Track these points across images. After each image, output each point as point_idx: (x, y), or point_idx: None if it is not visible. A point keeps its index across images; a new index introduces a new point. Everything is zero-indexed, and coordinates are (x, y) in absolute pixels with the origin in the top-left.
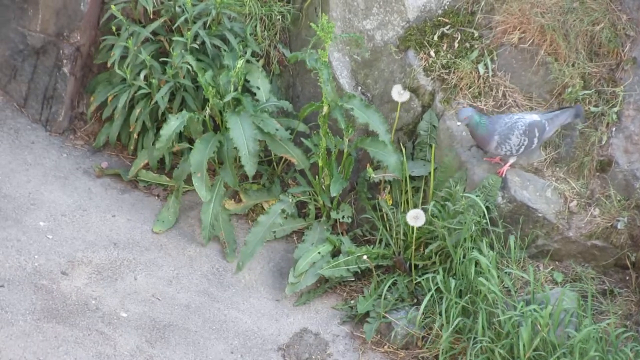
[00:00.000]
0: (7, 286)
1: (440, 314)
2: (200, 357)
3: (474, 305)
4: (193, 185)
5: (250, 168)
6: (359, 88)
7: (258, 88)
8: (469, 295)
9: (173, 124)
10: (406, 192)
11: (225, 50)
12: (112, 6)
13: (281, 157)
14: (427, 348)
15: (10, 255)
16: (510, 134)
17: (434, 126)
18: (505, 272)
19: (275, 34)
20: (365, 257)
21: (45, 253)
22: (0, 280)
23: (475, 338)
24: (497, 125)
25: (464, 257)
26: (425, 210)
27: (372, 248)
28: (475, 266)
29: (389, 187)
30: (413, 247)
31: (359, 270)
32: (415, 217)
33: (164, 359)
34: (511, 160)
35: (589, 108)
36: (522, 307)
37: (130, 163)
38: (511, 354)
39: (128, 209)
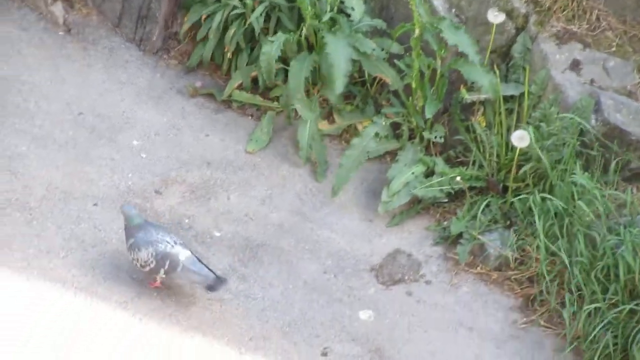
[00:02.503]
0: (101, 205)
1: (535, 236)
2: (293, 276)
3: (572, 227)
4: (281, 105)
5: (339, 85)
6: (453, 10)
7: (352, 9)
8: (566, 218)
9: (271, 48)
10: (499, 113)
11: None
12: None
13: (375, 78)
14: (519, 270)
15: (104, 174)
16: None
17: (527, 49)
18: (602, 195)
19: None
20: (458, 178)
21: (139, 172)
22: (95, 198)
23: (572, 260)
24: None
25: (560, 179)
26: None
27: (465, 169)
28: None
29: (482, 108)
30: (514, 168)
31: (452, 192)
32: (520, 138)
33: (257, 278)
34: None
35: None
36: (621, 230)
37: (223, 83)
38: (608, 277)
39: (221, 129)
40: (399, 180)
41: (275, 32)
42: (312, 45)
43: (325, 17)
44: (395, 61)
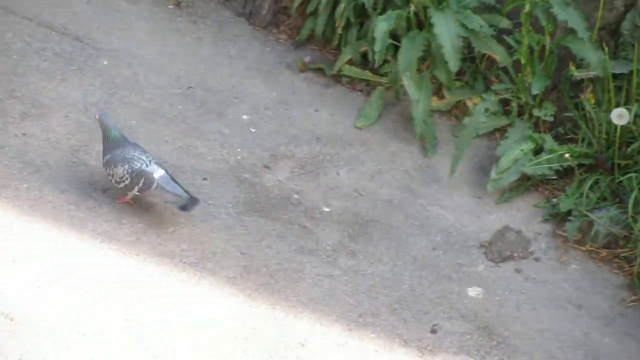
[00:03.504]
0: (210, 179)
1: None
2: (403, 252)
3: None
4: (389, 82)
5: (453, 64)
6: None
7: None
8: None
9: (382, 25)
10: (608, 91)
11: None
12: None
13: (484, 54)
14: (628, 247)
15: (213, 148)
16: None
17: (636, 26)
18: None
19: None
20: (567, 155)
21: (248, 146)
22: (204, 173)
23: None
24: None
25: None
26: (628, 110)
27: (574, 146)
28: None
29: (591, 85)
30: (619, 145)
31: (560, 169)
32: (620, 116)
33: (366, 254)
34: None
35: None
36: None
37: (332, 58)
38: None
39: (331, 104)
40: (508, 158)
41: (384, 8)
42: (422, 22)
43: None
44: (505, 37)
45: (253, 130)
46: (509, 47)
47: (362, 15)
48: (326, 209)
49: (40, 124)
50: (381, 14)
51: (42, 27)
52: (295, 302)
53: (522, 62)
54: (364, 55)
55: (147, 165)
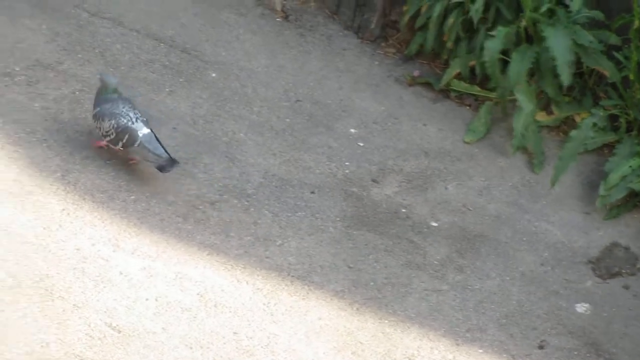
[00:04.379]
0: (317, 193)
1: None
2: (510, 268)
3: None
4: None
5: (565, 78)
6: None
7: (570, 0)
8: None
9: (492, 46)
10: None
11: None
12: None
13: (592, 70)
14: None
15: (321, 162)
16: None
17: None
18: None
19: None
20: None
21: (356, 160)
22: (311, 186)
23: None
24: None
25: None
26: None
27: None
28: None
29: None
30: None
31: None
32: None
33: (474, 269)
34: None
35: None
36: None
37: (441, 72)
38: None
39: (439, 118)
40: (616, 174)
41: (493, 22)
42: (531, 36)
43: (544, 8)
44: (614, 53)
45: (361, 144)
46: (618, 63)
47: (470, 30)
48: (434, 224)
49: None
50: (490, 28)
51: (151, 39)
52: (403, 317)
53: (631, 78)
54: (473, 70)
55: (132, 123)
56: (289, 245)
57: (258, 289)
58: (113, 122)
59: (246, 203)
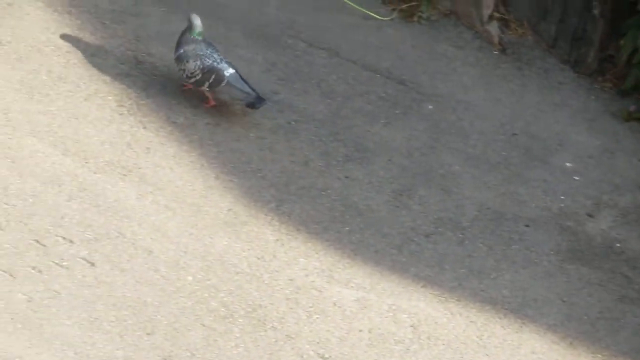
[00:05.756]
0: (532, 226)
1: None
2: None
3: None
4: None
5: None
6: None
7: None
8: None
9: None
10: None
11: None
12: None
13: None
14: None
15: (536, 195)
16: None
17: None
18: None
19: None
20: None
21: (571, 194)
22: (526, 220)
23: None
24: None
25: None
26: None
27: None
28: None
29: None
30: None
31: None
32: None
33: None
34: None
35: None
36: None
37: None
38: None
39: None
40: None
41: None
42: None
43: None
44: None
45: (576, 178)
46: None
47: None
48: None
49: (363, 167)
50: None
51: (367, 70)
52: (616, 352)
53: None
54: None
55: (218, 63)
56: (503, 278)
57: (471, 321)
58: (198, 62)
59: (461, 236)
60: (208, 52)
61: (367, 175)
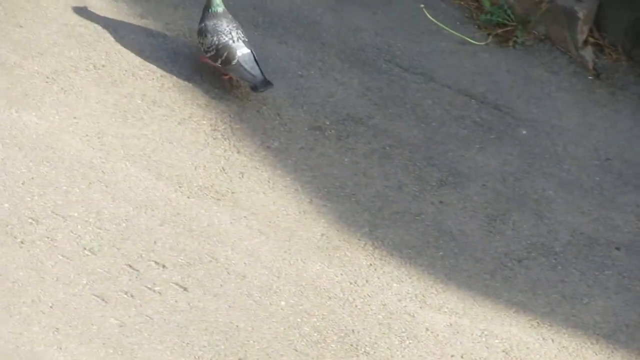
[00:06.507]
0: (625, 251)
1: None
2: None
3: None
4: None
5: None
6: None
7: None
8: None
9: None
10: None
11: None
12: None
13: None
14: None
15: (629, 220)
16: None
17: None
18: None
19: None
20: None
21: None
22: (619, 245)
23: None
24: None
25: None
26: None
27: None
28: None
29: None
30: None
31: None
32: None
33: None
34: None
35: None
36: None
37: None
38: None
39: None
40: None
41: None
42: None
43: None
44: None
45: None
46: None
47: None
48: None
49: (457, 192)
50: None
51: (462, 95)
52: None
53: None
54: None
55: (233, 42)
56: (595, 303)
57: (563, 347)
58: (215, 38)
59: (553, 261)
60: (227, 28)
61: (461, 200)
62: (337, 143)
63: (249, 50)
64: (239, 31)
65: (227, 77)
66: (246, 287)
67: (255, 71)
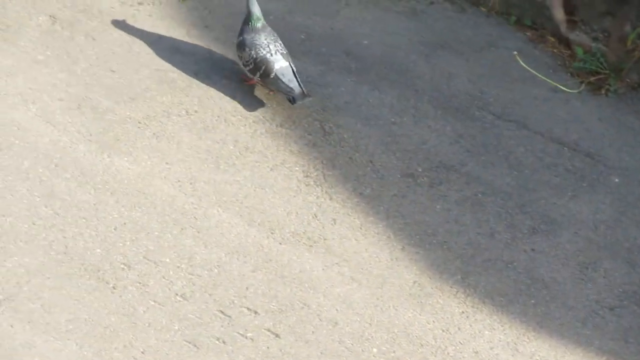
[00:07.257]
0: None
1: None
2: None
3: None
4: None
5: None
6: None
7: None
8: None
9: None
10: None
11: None
12: None
13: None
14: None
15: None
16: None
17: None
18: None
19: None
20: None
21: None
22: None
23: None
24: None
25: None
26: None
27: None
28: None
29: None
30: None
31: None
32: None
33: None
34: None
35: None
36: None
37: None
38: None
39: None
40: None
41: None
42: None
43: None
44: None
45: None
46: None
47: None
48: None
49: (549, 239)
50: None
51: (554, 143)
52: None
53: None
54: None
55: (271, 55)
56: None
57: None
58: (252, 52)
59: None
60: (265, 42)
61: (553, 248)
62: (429, 190)
63: (287, 63)
64: (277, 44)
65: (271, 92)
66: (338, 334)
67: (293, 84)
